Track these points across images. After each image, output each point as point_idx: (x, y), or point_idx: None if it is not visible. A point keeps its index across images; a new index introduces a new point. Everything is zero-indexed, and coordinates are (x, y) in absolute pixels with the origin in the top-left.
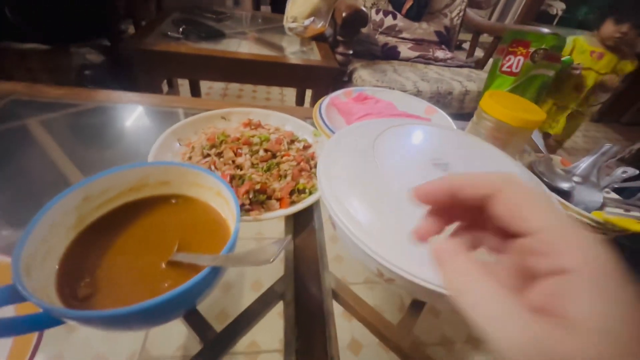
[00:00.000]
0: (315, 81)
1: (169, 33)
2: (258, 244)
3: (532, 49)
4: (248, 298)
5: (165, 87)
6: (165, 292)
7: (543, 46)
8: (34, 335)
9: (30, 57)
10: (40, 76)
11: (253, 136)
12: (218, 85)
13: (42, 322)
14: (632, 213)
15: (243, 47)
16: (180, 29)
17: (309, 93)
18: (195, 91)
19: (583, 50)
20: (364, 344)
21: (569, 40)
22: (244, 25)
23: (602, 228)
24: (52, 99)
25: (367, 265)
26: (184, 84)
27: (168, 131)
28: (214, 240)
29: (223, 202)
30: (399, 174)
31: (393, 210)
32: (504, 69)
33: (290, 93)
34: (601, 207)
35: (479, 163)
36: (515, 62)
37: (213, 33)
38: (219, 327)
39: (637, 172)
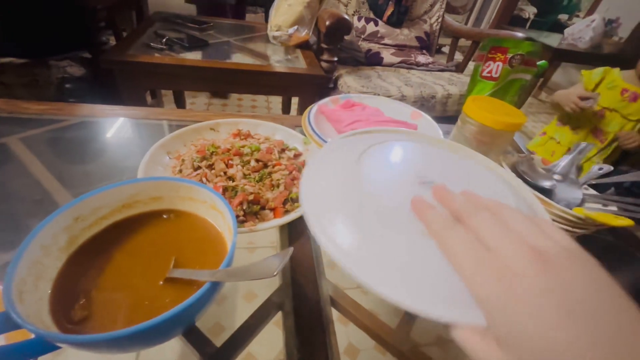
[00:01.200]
0: (301, 89)
1: (152, 44)
2: (250, 254)
3: (509, 55)
4: (242, 309)
5: (149, 99)
6: (165, 311)
7: (520, 52)
8: None
9: (5, 71)
10: (16, 91)
11: (243, 146)
12: (202, 95)
13: (36, 348)
14: (609, 208)
15: (227, 56)
16: (163, 40)
17: (295, 101)
18: (179, 102)
19: (614, 85)
20: (360, 348)
21: (599, 70)
22: (227, 35)
23: (583, 224)
24: (33, 115)
25: (353, 281)
26: (167, 95)
27: (157, 145)
28: (210, 254)
29: (218, 215)
30: (384, 193)
31: (377, 231)
32: (484, 74)
33: (276, 101)
34: (581, 203)
35: (465, 181)
36: (495, 67)
37: (196, 43)
38: (213, 339)
39: (612, 168)
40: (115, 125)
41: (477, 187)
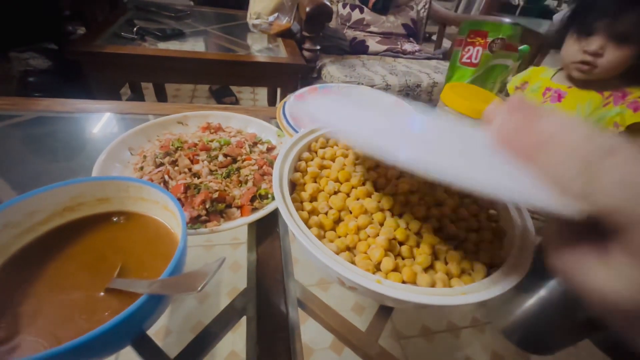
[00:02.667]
0: (283, 79)
1: (123, 33)
2: (207, 252)
3: (489, 39)
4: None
5: (128, 92)
6: (99, 325)
7: (500, 36)
8: None
9: None
10: None
11: (212, 140)
12: (186, 88)
13: None
14: None
15: (205, 46)
16: (135, 29)
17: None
18: (160, 95)
19: (539, 86)
20: (315, 348)
21: (522, 73)
22: (206, 24)
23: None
24: None
25: (327, 275)
26: (149, 88)
27: (117, 140)
28: (162, 257)
29: (170, 215)
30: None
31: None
32: (464, 60)
33: (262, 92)
34: None
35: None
36: (475, 52)
37: (171, 33)
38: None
39: None
40: (76, 121)
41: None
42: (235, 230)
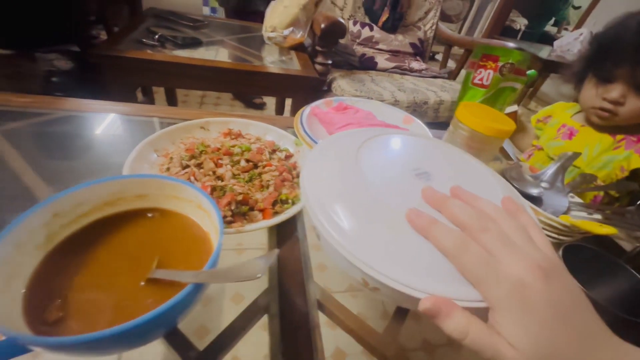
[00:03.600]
0: (295, 90)
1: (144, 40)
2: (239, 255)
3: (500, 63)
4: (228, 311)
5: (140, 95)
6: (146, 312)
7: (510, 60)
8: None
9: None
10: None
11: (233, 146)
12: (195, 93)
13: (6, 350)
14: (594, 216)
15: (221, 55)
16: (156, 36)
17: (289, 102)
18: (171, 99)
19: (557, 121)
20: (348, 353)
21: (546, 108)
22: (221, 34)
23: (568, 231)
24: (16, 108)
25: (352, 275)
26: (159, 92)
27: (144, 142)
28: (195, 254)
29: (204, 214)
30: (382, 183)
31: (377, 219)
32: (476, 81)
33: (270, 101)
34: (567, 211)
35: (460, 174)
36: (486, 75)
37: (189, 41)
38: (198, 342)
39: (596, 177)
40: (101, 121)
41: (471, 180)
42: (261, 237)
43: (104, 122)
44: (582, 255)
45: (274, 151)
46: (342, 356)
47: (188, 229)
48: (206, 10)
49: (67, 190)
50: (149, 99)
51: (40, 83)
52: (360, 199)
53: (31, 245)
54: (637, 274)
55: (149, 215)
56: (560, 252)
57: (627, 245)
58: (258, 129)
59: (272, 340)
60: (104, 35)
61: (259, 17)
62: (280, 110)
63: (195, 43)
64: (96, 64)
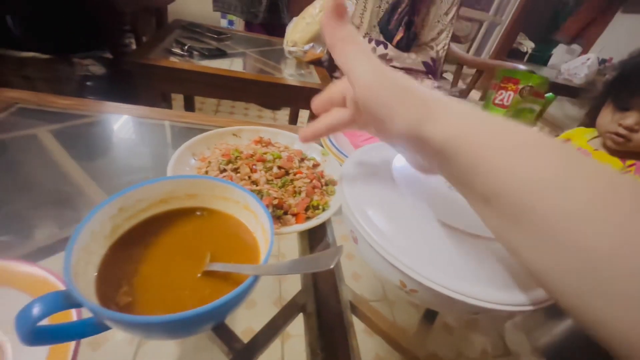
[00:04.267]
0: None
1: (173, 50)
2: (277, 260)
3: (520, 86)
4: (242, 315)
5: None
6: (205, 302)
7: (530, 84)
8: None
9: (28, 65)
10: (38, 85)
11: (265, 153)
12: (210, 101)
13: (88, 329)
14: None
15: (245, 66)
16: (186, 47)
17: (302, 113)
18: (189, 106)
19: (576, 144)
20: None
21: (567, 132)
22: (244, 46)
23: None
24: (59, 109)
25: (389, 278)
26: (177, 98)
27: (183, 146)
28: (242, 252)
29: (250, 215)
30: (417, 192)
31: (414, 224)
32: (497, 101)
33: (282, 112)
34: None
35: None
36: (506, 96)
37: (216, 52)
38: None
39: None
40: (138, 124)
41: None
42: (292, 244)
43: (140, 125)
44: None
45: (302, 160)
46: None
47: (235, 228)
48: (224, 23)
49: (131, 187)
50: (168, 105)
51: (76, 86)
52: (398, 206)
53: (101, 235)
54: None
55: (198, 213)
56: None
57: None
58: (286, 138)
59: (310, 337)
60: (133, 44)
61: (279, 31)
62: (293, 120)
63: (220, 54)
64: (128, 70)
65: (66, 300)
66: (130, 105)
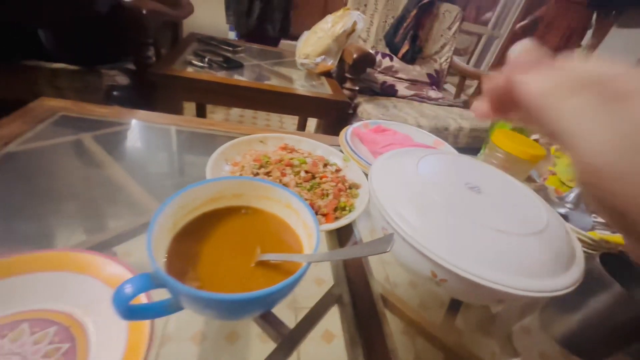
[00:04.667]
0: (326, 112)
1: (193, 61)
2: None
3: None
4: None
5: None
6: (262, 288)
7: None
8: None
9: (60, 76)
10: (68, 94)
11: (292, 159)
12: (221, 109)
13: (168, 308)
14: (617, 234)
15: (260, 77)
16: (206, 59)
17: (309, 122)
18: (200, 113)
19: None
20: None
21: None
22: (258, 58)
23: (595, 245)
24: (98, 117)
25: (420, 269)
26: (187, 107)
27: (218, 151)
28: (287, 245)
29: (291, 212)
30: (442, 192)
31: (442, 220)
32: None
33: (288, 120)
34: (592, 229)
35: (505, 189)
36: None
37: (232, 64)
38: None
39: None
40: (169, 132)
41: (515, 196)
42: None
43: (171, 132)
44: (613, 262)
45: (325, 165)
46: None
47: (277, 224)
48: (232, 35)
49: (188, 187)
50: (180, 112)
51: (103, 96)
52: (425, 203)
53: (165, 228)
54: None
55: (243, 211)
56: (598, 258)
57: None
58: (309, 145)
59: (348, 325)
60: (153, 56)
61: (268, 42)
62: (301, 128)
63: (237, 66)
64: (151, 80)
65: (153, 281)
66: (161, 114)
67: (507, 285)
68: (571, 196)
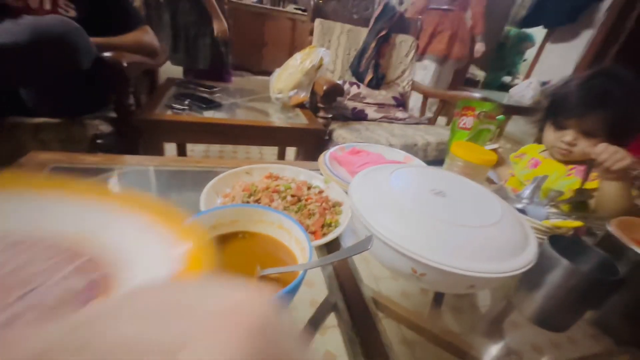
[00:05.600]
0: (303, 141)
1: (174, 105)
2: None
3: (477, 112)
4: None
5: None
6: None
7: (484, 109)
8: None
9: (43, 129)
10: (52, 147)
11: (278, 185)
12: (199, 147)
13: None
14: (568, 219)
15: (238, 114)
16: (186, 101)
17: (287, 151)
18: (182, 152)
19: (529, 156)
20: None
21: (527, 146)
22: (234, 96)
23: (548, 231)
24: (89, 165)
25: (401, 268)
26: (168, 146)
27: (209, 185)
28: (283, 260)
29: (284, 232)
30: (412, 198)
31: (414, 222)
32: (460, 125)
33: (267, 150)
34: (547, 218)
35: (466, 192)
36: (467, 121)
37: (212, 104)
38: None
39: (562, 192)
40: (159, 172)
41: (475, 196)
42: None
43: (161, 173)
44: (563, 243)
45: (309, 188)
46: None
47: (273, 244)
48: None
49: (193, 216)
50: (162, 152)
51: (88, 145)
52: (400, 210)
53: None
54: (601, 251)
55: (240, 235)
56: (547, 240)
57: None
58: (292, 172)
59: (345, 328)
60: (133, 103)
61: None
62: (281, 157)
63: (216, 105)
64: (134, 126)
65: None
66: (149, 157)
67: (475, 270)
68: (526, 192)
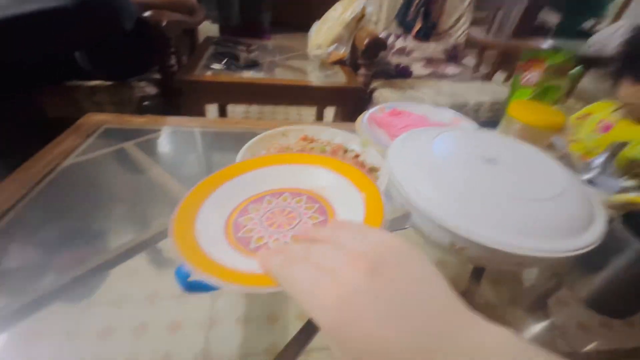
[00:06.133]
0: (342, 100)
1: (212, 65)
2: None
3: (545, 64)
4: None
5: None
6: None
7: (555, 62)
8: None
9: (98, 92)
10: (106, 108)
11: (312, 148)
12: (240, 107)
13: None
14: None
15: (276, 73)
16: (224, 61)
17: (327, 111)
18: (223, 113)
19: (597, 116)
20: None
21: (587, 107)
22: (271, 55)
23: (620, 207)
24: (137, 126)
25: (439, 240)
26: (210, 107)
27: (245, 148)
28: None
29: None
30: (455, 165)
31: (455, 191)
32: (524, 81)
33: (305, 111)
34: (621, 192)
35: (522, 160)
36: (533, 75)
37: (249, 63)
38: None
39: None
40: (200, 134)
41: (533, 165)
42: None
43: (201, 134)
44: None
45: (344, 152)
46: None
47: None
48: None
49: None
50: (204, 113)
51: (136, 106)
52: (441, 178)
53: None
54: None
55: None
56: (620, 218)
57: None
58: (328, 134)
59: None
60: (175, 64)
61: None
62: (319, 117)
63: (254, 65)
64: (177, 87)
65: None
66: (190, 117)
67: (523, 247)
68: (596, 162)
